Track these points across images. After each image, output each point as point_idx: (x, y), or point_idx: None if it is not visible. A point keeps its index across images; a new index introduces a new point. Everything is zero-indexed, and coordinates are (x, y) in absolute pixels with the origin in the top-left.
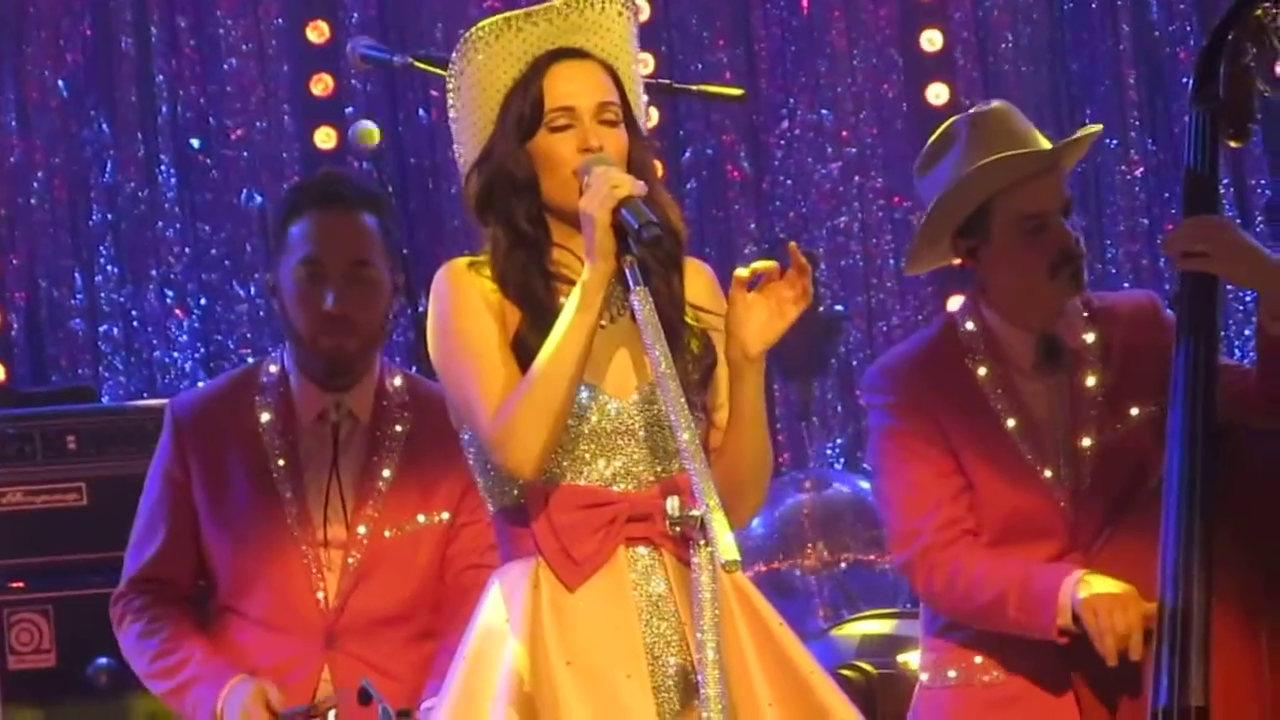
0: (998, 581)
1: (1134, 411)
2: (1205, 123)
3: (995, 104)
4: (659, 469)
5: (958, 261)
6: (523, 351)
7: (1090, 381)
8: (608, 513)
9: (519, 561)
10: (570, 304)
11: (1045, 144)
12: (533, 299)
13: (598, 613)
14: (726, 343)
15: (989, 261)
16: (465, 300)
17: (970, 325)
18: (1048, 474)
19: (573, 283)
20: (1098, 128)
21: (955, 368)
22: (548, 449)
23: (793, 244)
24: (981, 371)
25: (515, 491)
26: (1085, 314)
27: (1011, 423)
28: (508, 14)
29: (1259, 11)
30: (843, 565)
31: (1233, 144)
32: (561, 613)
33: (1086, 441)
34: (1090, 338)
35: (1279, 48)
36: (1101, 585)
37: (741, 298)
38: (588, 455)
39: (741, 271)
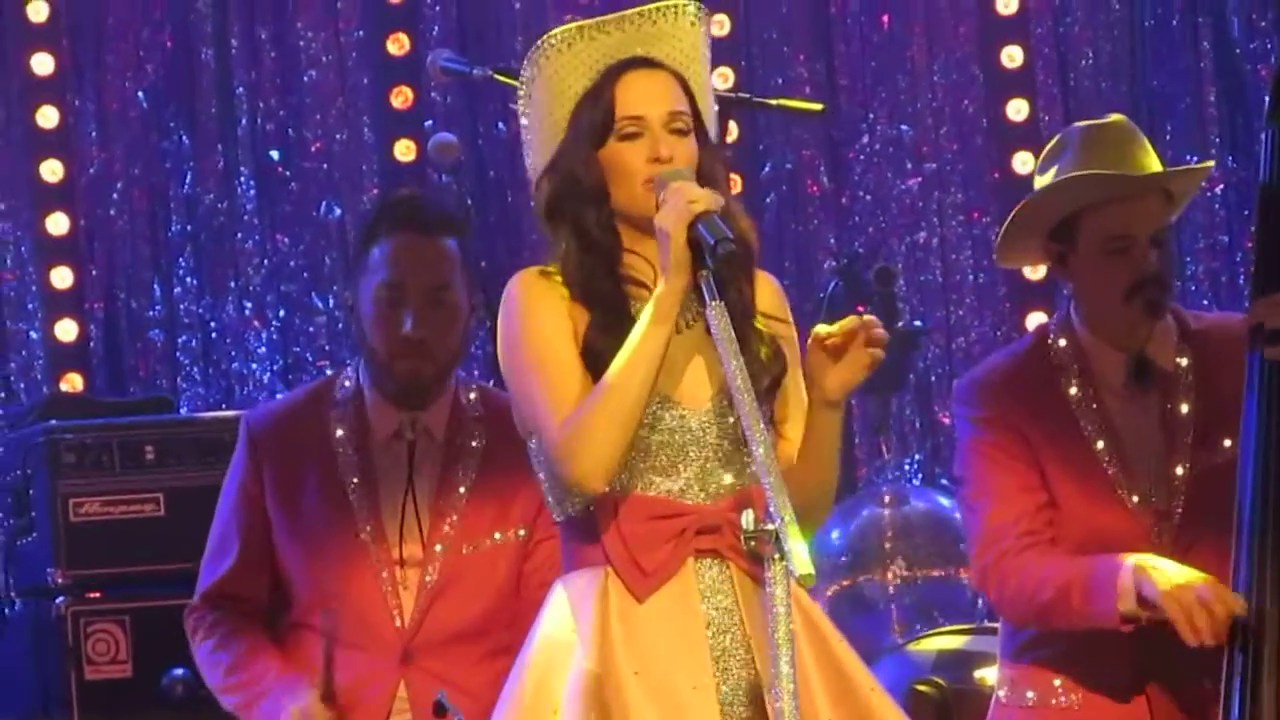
0: (1063, 575)
1: (1227, 443)
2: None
3: (1113, 118)
4: (729, 481)
5: (1044, 267)
6: (592, 356)
7: (1184, 408)
8: (678, 524)
9: (586, 570)
10: (644, 317)
11: (1152, 168)
12: (604, 302)
13: (666, 624)
14: (807, 386)
15: (1074, 271)
16: (535, 309)
17: (1062, 342)
18: (1135, 499)
19: (644, 286)
20: (1209, 164)
21: (1046, 385)
22: (617, 461)
23: (868, 317)
24: (1072, 390)
25: (584, 501)
26: (1179, 336)
27: (1100, 444)
28: (581, 23)
29: None
30: (920, 580)
31: None
32: (630, 623)
33: (1179, 470)
34: (1184, 361)
35: None
36: (1173, 570)
37: (818, 348)
38: (658, 466)
39: (820, 330)
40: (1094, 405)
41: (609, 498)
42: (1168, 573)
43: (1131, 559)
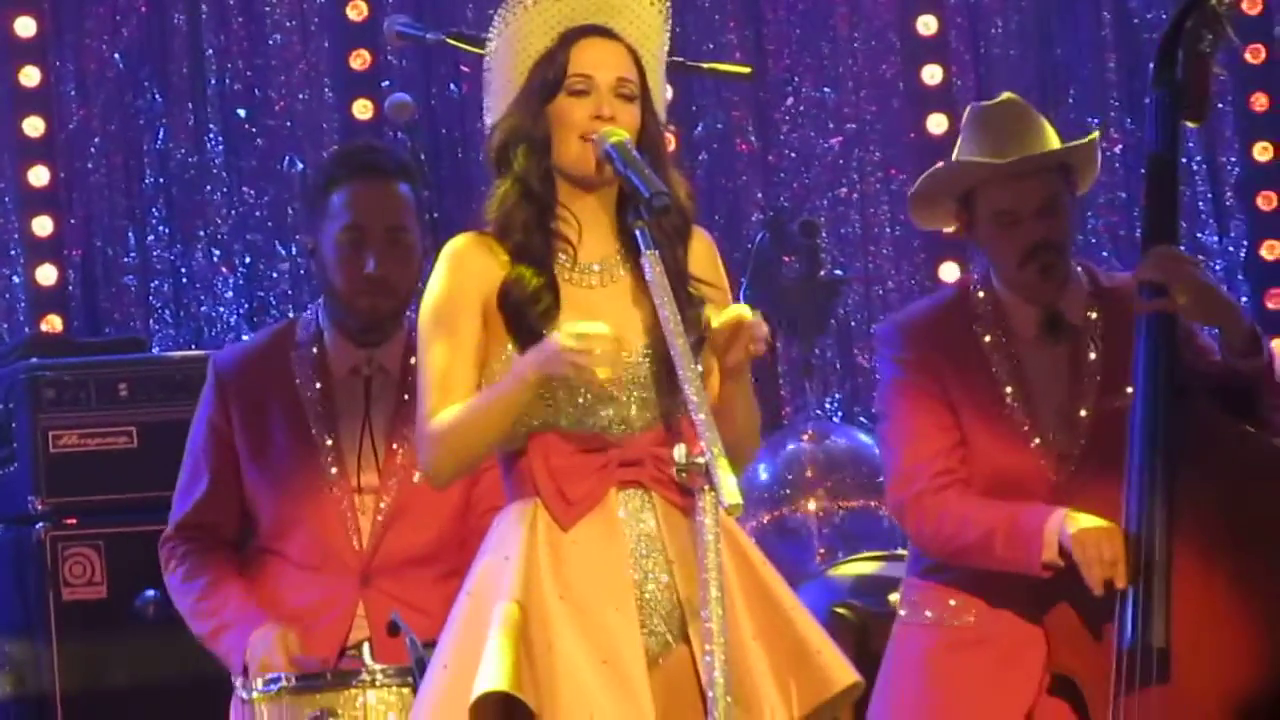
0: (986, 520)
1: (1129, 390)
2: (1165, 103)
3: (1004, 98)
4: (649, 417)
5: (952, 229)
6: (507, 301)
7: (1091, 357)
8: (601, 458)
9: (519, 502)
10: (507, 387)
11: (1037, 145)
12: (528, 252)
13: (590, 551)
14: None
15: (977, 237)
16: (457, 285)
17: (982, 294)
18: (1037, 441)
19: (569, 242)
20: (1092, 137)
21: (963, 332)
22: (461, 473)
23: (750, 317)
24: (987, 338)
25: (518, 438)
26: (1090, 291)
27: (1009, 389)
28: None
29: (1213, 2)
30: (841, 510)
31: (1190, 124)
32: (556, 550)
33: (1083, 414)
34: (1094, 315)
35: (1232, 34)
36: (1087, 521)
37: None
38: (584, 405)
39: (714, 322)
40: (1006, 353)
41: (540, 436)
42: (1081, 521)
43: (1059, 511)
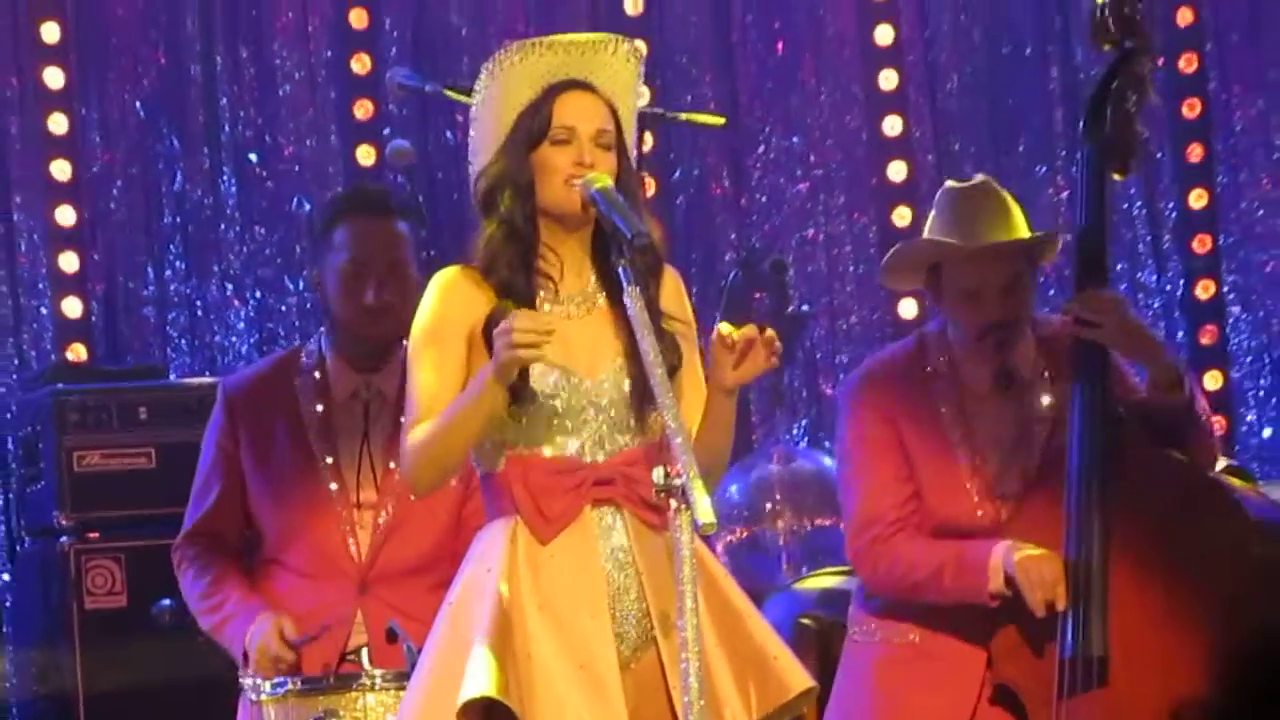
0: (934, 558)
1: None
2: (1094, 158)
3: (976, 180)
4: (622, 441)
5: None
6: (491, 331)
7: (1044, 401)
8: (576, 477)
9: (500, 519)
10: (471, 392)
11: (1004, 230)
12: (512, 288)
13: (566, 564)
14: (707, 374)
15: (941, 306)
16: (445, 313)
17: (937, 349)
18: (983, 492)
19: (550, 278)
20: (1054, 235)
21: (919, 385)
22: (439, 481)
23: (769, 330)
24: (940, 390)
25: (498, 459)
26: (1036, 344)
27: (960, 445)
28: (536, 39)
29: (1137, 64)
30: (806, 528)
31: (1117, 177)
32: (535, 563)
33: (1029, 461)
34: (1040, 365)
35: (1154, 96)
36: (1030, 549)
37: (721, 347)
38: (561, 428)
39: (723, 329)
40: (959, 406)
41: (519, 457)
42: (1025, 549)
43: (1003, 544)
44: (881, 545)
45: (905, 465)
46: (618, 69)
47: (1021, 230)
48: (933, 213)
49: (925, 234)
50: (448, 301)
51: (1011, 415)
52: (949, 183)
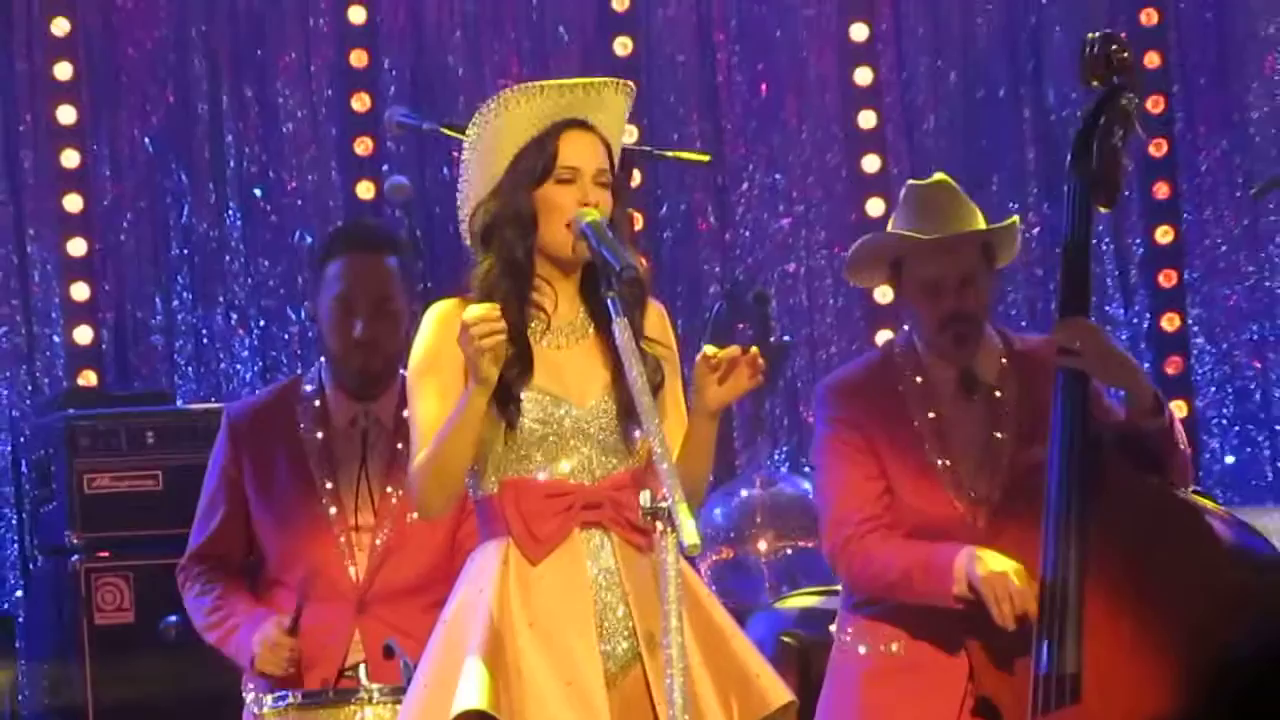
0: (904, 560)
1: (1038, 445)
2: (1080, 190)
3: (936, 178)
4: (610, 465)
5: (892, 292)
6: None
7: (1005, 414)
8: (565, 501)
9: (492, 541)
10: (461, 406)
11: (962, 223)
12: (505, 320)
13: (555, 584)
14: (692, 396)
15: (905, 300)
16: (442, 345)
17: (904, 356)
18: (955, 491)
19: (543, 310)
20: (1011, 221)
21: (888, 391)
22: (448, 500)
23: (753, 348)
24: (909, 396)
25: (491, 484)
26: (1004, 353)
27: (929, 443)
28: (539, 82)
29: (1124, 101)
30: (788, 550)
31: (1102, 209)
32: (526, 583)
33: (999, 462)
34: (1007, 375)
35: (1140, 130)
36: (994, 561)
37: (705, 367)
38: (551, 453)
39: (708, 350)
40: (927, 409)
41: (511, 481)
42: (989, 562)
43: (966, 549)
44: (856, 544)
45: (876, 466)
46: (616, 108)
47: (979, 224)
48: (895, 212)
49: (889, 229)
50: (443, 334)
51: (979, 418)
52: (910, 180)
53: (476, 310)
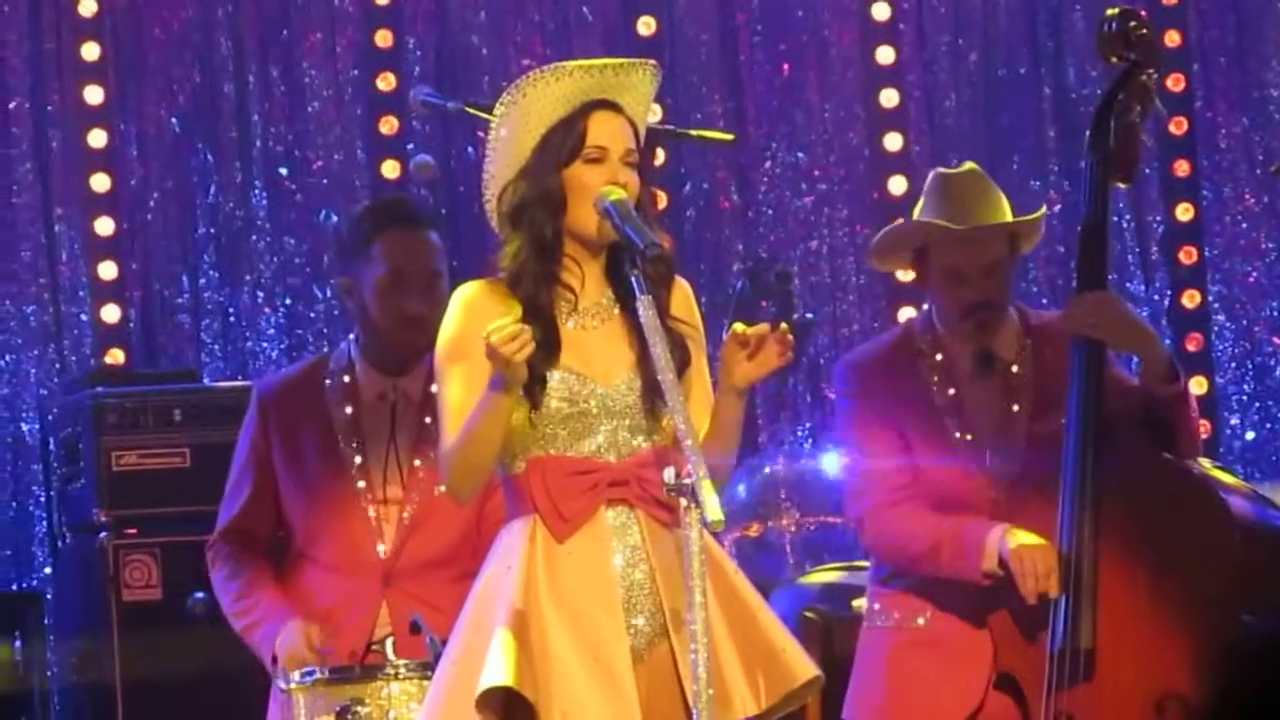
0: (933, 533)
1: (1056, 418)
2: (1099, 168)
3: (965, 168)
4: (637, 443)
5: (910, 273)
6: None
7: (1022, 390)
8: (592, 479)
9: (520, 518)
10: (484, 407)
11: (989, 214)
12: (535, 302)
13: (582, 561)
14: (719, 374)
15: (927, 286)
16: (471, 327)
17: (924, 334)
18: (975, 464)
19: (571, 289)
20: (1040, 214)
21: (907, 367)
22: (476, 485)
23: (784, 325)
24: (928, 372)
25: (518, 462)
26: (1021, 330)
27: (950, 417)
28: (567, 62)
29: (1143, 77)
30: (811, 526)
31: (1121, 185)
32: (552, 561)
33: (1017, 436)
34: (1024, 351)
35: (1159, 106)
36: (1025, 537)
37: (735, 344)
38: (578, 431)
39: (739, 328)
40: (946, 386)
41: (538, 459)
42: (1020, 537)
43: (1000, 525)
44: (885, 511)
45: (897, 438)
46: (644, 89)
47: (1006, 215)
48: (922, 198)
49: (915, 217)
50: (471, 317)
51: (996, 394)
52: (939, 169)
53: (500, 332)
